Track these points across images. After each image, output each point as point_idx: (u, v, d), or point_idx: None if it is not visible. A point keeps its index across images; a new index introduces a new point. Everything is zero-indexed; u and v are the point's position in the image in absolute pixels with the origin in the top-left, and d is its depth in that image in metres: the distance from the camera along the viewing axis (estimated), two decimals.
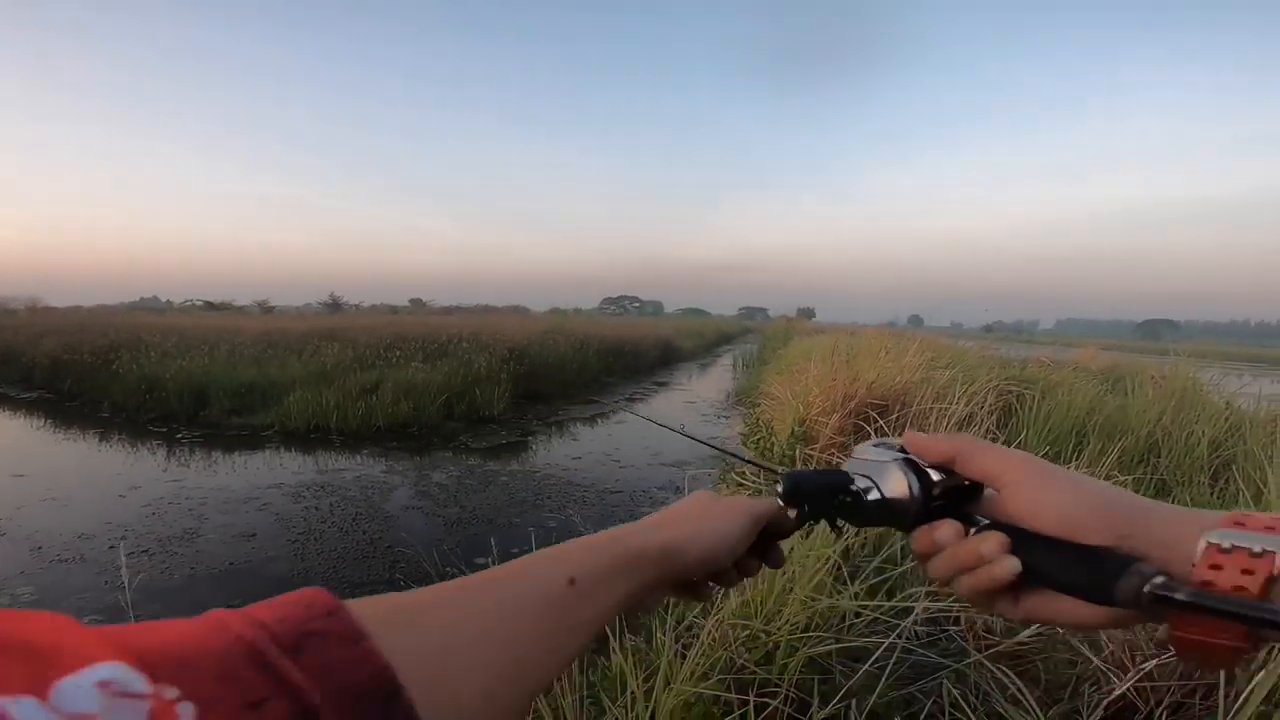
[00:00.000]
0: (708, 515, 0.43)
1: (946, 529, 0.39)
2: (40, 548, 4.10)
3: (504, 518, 4.95)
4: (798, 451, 4.00)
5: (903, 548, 1.91)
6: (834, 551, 1.79)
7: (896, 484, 0.42)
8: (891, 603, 1.67)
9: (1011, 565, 0.36)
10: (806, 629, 1.59)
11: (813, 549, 1.83)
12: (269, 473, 6.11)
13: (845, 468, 0.46)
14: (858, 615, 1.69)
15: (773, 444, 4.54)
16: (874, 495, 0.42)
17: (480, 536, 4.49)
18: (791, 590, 1.66)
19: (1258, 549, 0.31)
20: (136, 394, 9.06)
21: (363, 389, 8.73)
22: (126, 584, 3.06)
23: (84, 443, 7.44)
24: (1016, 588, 0.37)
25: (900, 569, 1.85)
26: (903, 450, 0.43)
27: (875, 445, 0.45)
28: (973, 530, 0.39)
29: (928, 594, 1.70)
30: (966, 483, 0.41)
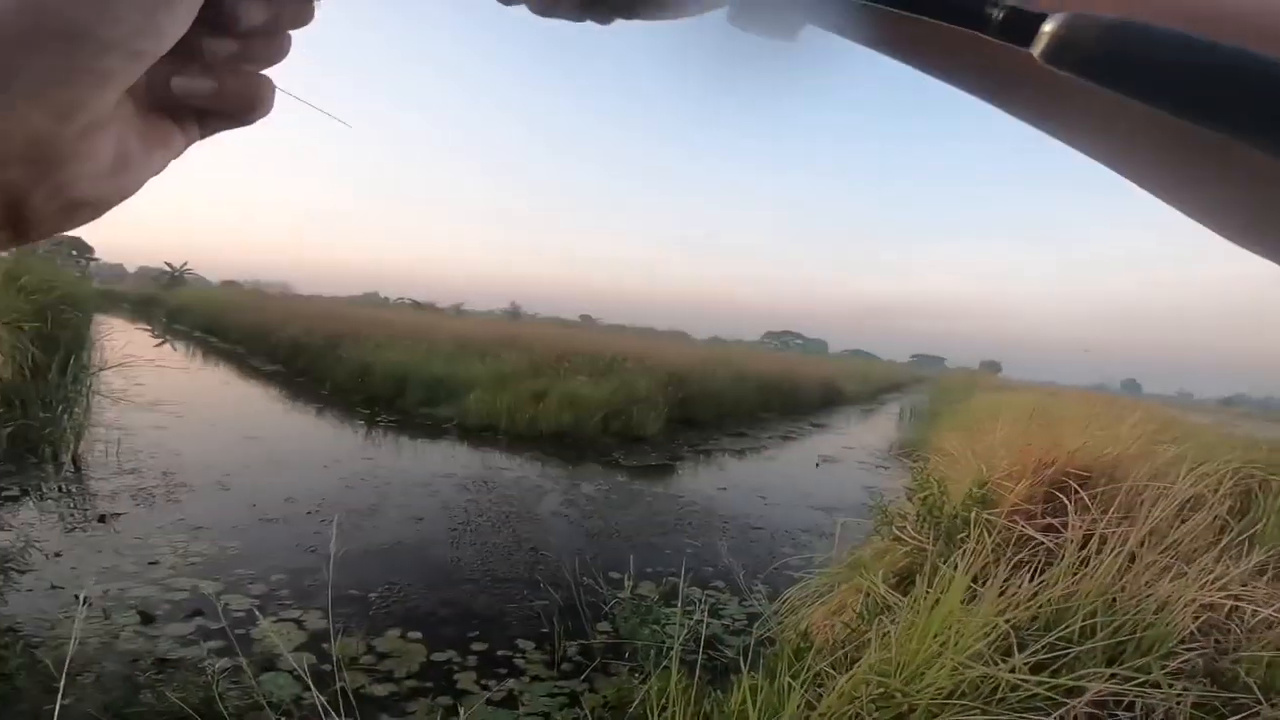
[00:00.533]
0: None
1: None
2: (254, 505, 4.73)
3: (644, 536, 4.98)
4: (974, 514, 3.61)
5: (1083, 627, 1.63)
6: (1004, 620, 1.57)
7: None
8: (1058, 680, 1.42)
9: None
10: (950, 696, 1.39)
11: (976, 614, 1.61)
12: (443, 463, 6.73)
13: None
14: (1013, 689, 1.46)
15: (944, 503, 4.15)
16: None
17: (619, 551, 4.56)
18: (941, 654, 1.48)
19: None
20: (351, 377, 10.51)
21: (533, 395, 9.34)
22: (332, 552, 3.26)
23: (304, 415, 8.77)
24: None
25: (1079, 648, 1.57)
26: None
27: None
28: None
29: (1110, 677, 1.43)
30: None
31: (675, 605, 3.47)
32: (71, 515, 4.16)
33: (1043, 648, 1.54)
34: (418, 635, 3.08)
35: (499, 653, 3.03)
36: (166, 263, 41.65)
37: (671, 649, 2.66)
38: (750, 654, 2.07)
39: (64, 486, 4.70)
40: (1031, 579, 1.99)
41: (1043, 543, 2.37)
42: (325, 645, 2.88)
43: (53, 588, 3.10)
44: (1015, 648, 1.53)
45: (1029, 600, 1.79)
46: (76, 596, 3.03)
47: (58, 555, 3.44)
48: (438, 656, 2.92)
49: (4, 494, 4.38)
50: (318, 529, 4.38)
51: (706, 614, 2.51)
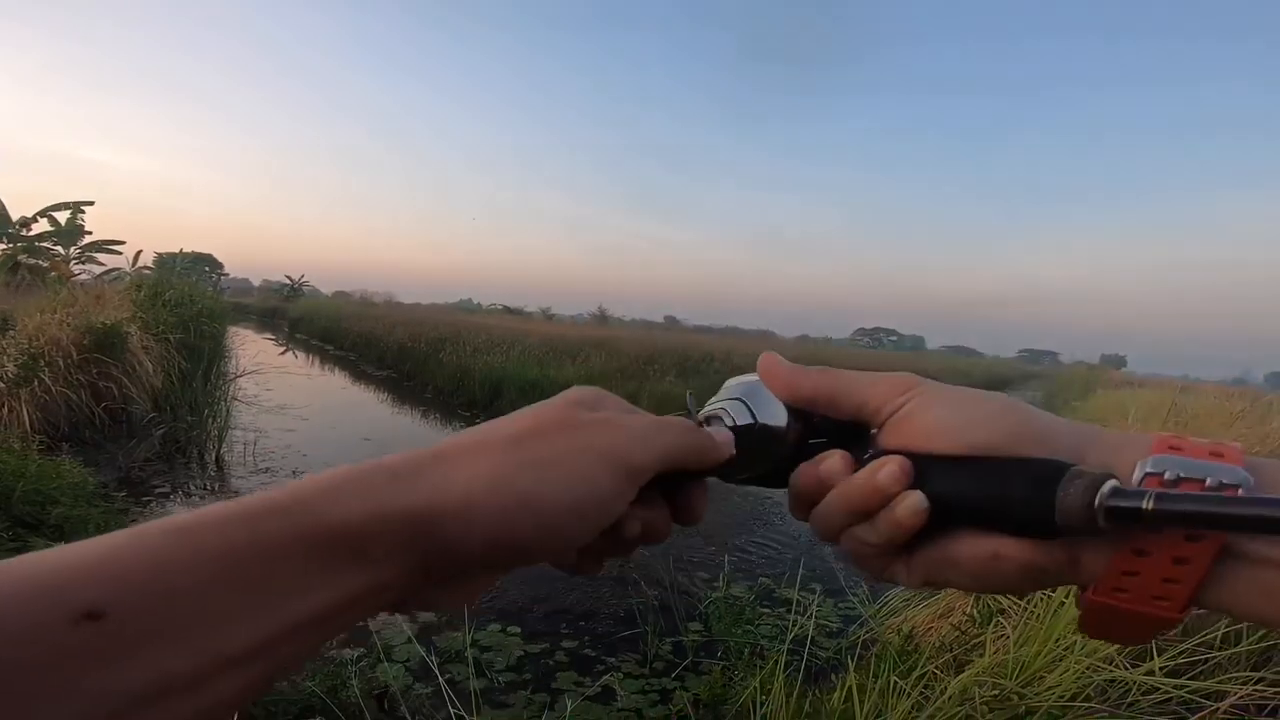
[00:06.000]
0: (549, 444, 0.27)
1: (835, 460, 0.31)
2: None
3: (731, 536, 4.93)
4: None
5: (1225, 634, 1.49)
6: None
7: (770, 408, 0.33)
8: (1197, 684, 1.32)
9: (916, 501, 0.28)
10: (1073, 699, 1.30)
11: None
12: None
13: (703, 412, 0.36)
14: (1147, 693, 1.36)
15: None
16: (745, 419, 0.33)
17: (709, 552, 4.53)
18: (1065, 657, 1.38)
19: (1210, 480, 0.24)
20: (452, 381, 11.03)
21: (623, 396, 9.36)
22: None
23: (411, 417, 9.31)
24: (911, 542, 0.29)
25: (1221, 654, 1.44)
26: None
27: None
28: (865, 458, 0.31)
29: (1257, 681, 1.31)
30: (845, 421, 0.33)
31: (768, 607, 3.41)
32: None
33: (1181, 653, 1.41)
34: (516, 630, 3.19)
35: (589, 651, 3.09)
36: (286, 275, 45.40)
37: (764, 648, 2.61)
38: (856, 654, 1.99)
39: (209, 484, 5.24)
40: None
41: None
42: (435, 637, 3.04)
43: None
44: (1153, 652, 1.41)
45: None
46: None
47: None
48: (532, 648, 3.02)
49: (157, 490, 4.94)
50: None
51: (812, 614, 2.43)
